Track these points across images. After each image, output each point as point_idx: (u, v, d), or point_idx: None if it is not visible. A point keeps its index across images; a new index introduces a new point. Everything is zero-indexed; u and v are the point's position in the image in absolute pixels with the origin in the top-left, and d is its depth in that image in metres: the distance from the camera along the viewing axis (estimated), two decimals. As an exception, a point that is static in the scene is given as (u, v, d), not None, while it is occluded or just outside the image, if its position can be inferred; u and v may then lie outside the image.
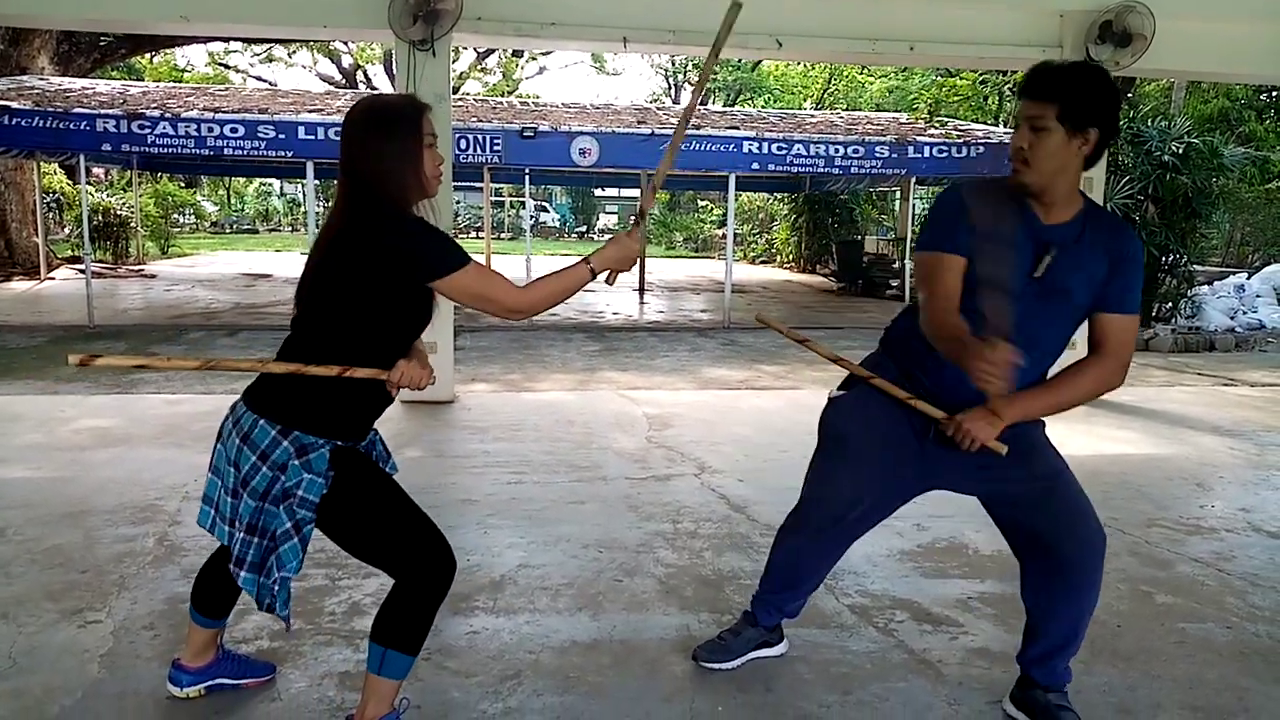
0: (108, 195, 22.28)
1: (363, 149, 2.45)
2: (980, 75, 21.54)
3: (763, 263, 28.74)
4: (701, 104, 36.82)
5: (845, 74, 32.44)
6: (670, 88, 43.01)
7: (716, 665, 3.19)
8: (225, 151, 12.23)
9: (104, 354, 2.26)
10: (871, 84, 31.97)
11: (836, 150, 13.38)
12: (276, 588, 2.47)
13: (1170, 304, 13.39)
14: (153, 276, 19.11)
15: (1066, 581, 2.74)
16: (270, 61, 34.98)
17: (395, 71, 7.73)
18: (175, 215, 26.30)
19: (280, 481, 2.42)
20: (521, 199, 35.28)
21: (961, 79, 22.03)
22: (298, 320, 2.52)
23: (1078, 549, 2.71)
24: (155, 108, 12.71)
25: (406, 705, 2.73)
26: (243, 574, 2.48)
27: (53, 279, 17.48)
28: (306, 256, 2.53)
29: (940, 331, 2.55)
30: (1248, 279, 16.26)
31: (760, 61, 34.22)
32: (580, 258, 2.58)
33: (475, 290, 2.43)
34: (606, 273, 2.62)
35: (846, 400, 2.91)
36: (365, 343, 2.44)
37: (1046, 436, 2.79)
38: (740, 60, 34.38)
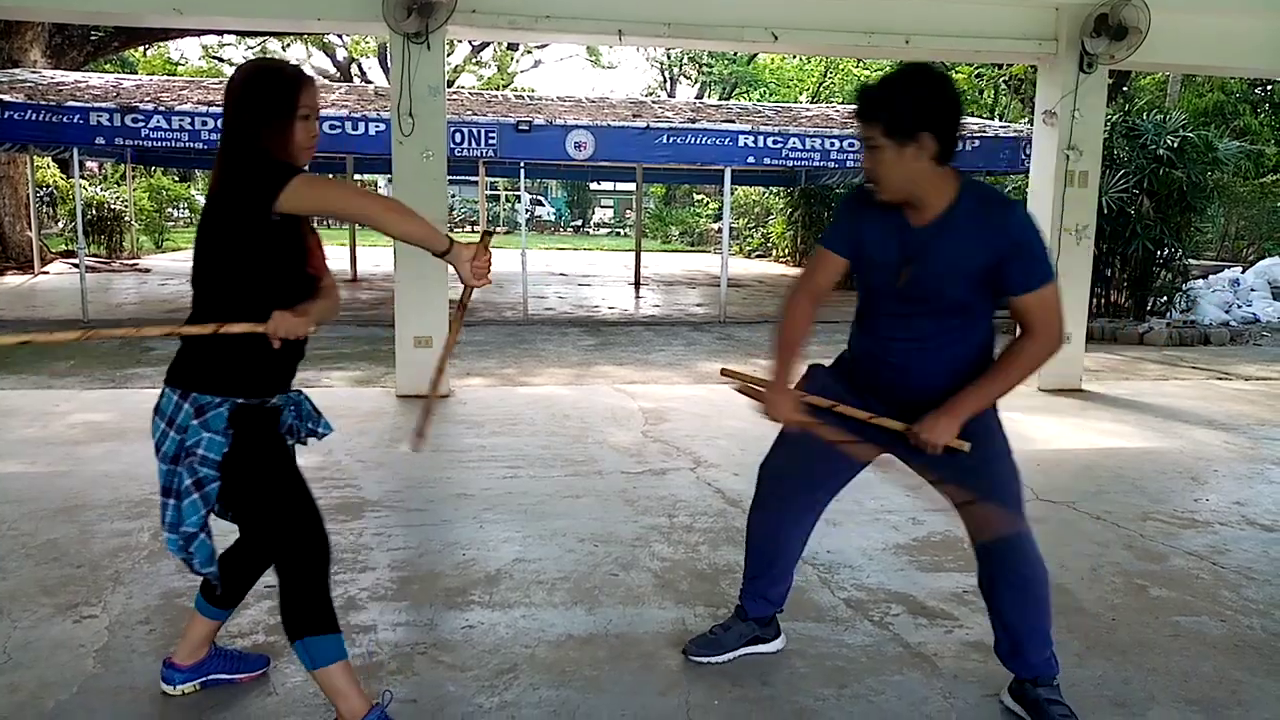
0: (101, 189, 22.20)
1: (234, 110, 2.49)
2: (976, 69, 21.54)
3: (758, 257, 28.72)
4: (697, 98, 36.77)
5: (841, 67, 32.38)
6: (665, 81, 42.95)
7: (706, 659, 3.20)
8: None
9: None
10: (867, 77, 31.94)
11: (832, 144, 13.36)
12: (190, 546, 2.52)
13: (1165, 298, 13.42)
14: (147, 271, 19.07)
15: (992, 575, 2.82)
16: (264, 55, 34.90)
17: (390, 65, 7.71)
18: (169, 209, 26.22)
19: (183, 442, 2.47)
20: (517, 193, 35.25)
21: (957, 73, 22.01)
22: (194, 294, 2.57)
23: (994, 542, 2.78)
24: (149, 101, 12.66)
25: (390, 698, 2.72)
26: (165, 534, 2.55)
27: (46, 273, 17.43)
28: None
29: (783, 315, 2.90)
30: (1242, 273, 16.30)
31: (756, 55, 34.20)
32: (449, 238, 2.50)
33: (316, 197, 2.42)
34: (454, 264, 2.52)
35: (818, 370, 3.07)
36: (242, 298, 2.46)
37: (992, 423, 2.79)
38: (736, 54, 34.35)
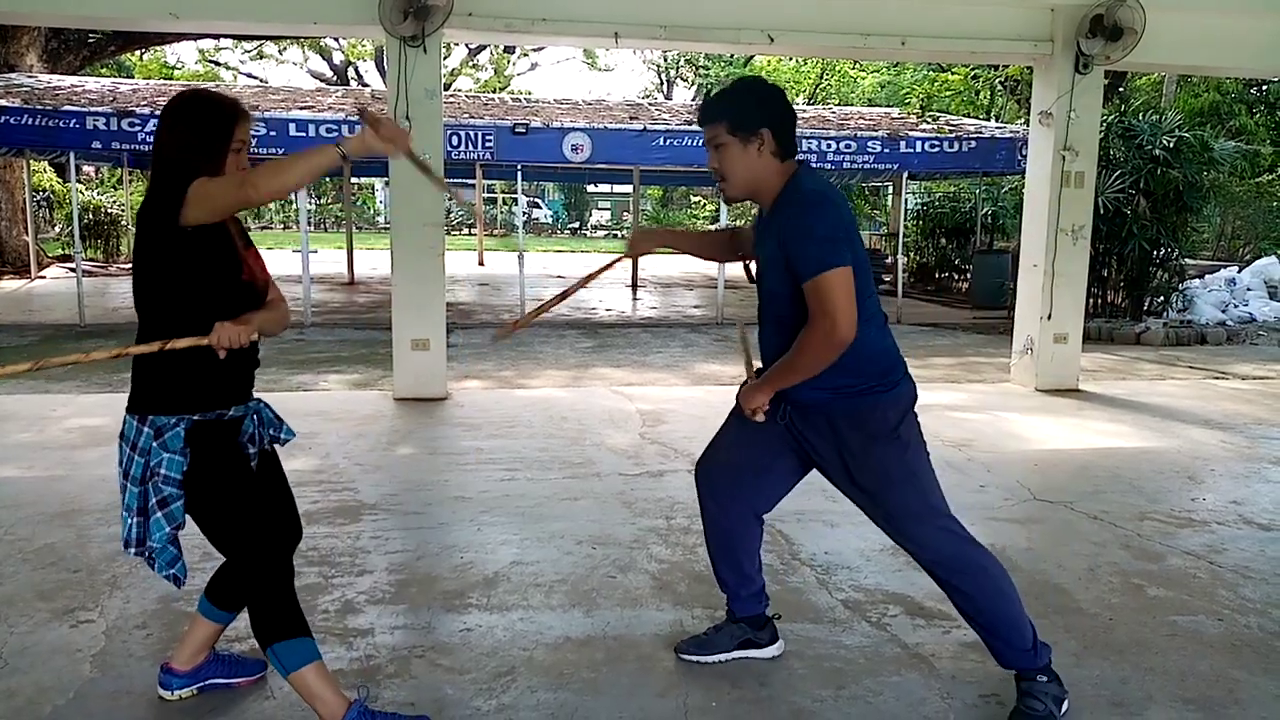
0: (98, 193, 22.20)
1: (169, 133, 2.54)
2: (972, 70, 21.56)
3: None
4: (694, 100, 36.76)
5: (837, 69, 32.37)
6: (662, 83, 42.96)
7: (695, 658, 3.21)
8: (216, 149, 12.17)
9: None
10: (863, 79, 31.91)
11: (829, 145, 13.38)
12: (151, 555, 2.56)
13: (1162, 298, 13.44)
14: (144, 274, 19.01)
15: (941, 587, 2.89)
16: (261, 58, 34.81)
17: (386, 68, 7.71)
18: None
19: (148, 464, 2.51)
20: (514, 195, 35.24)
21: (953, 74, 22.05)
22: (135, 308, 2.59)
23: (925, 558, 2.84)
24: (145, 105, 12.67)
25: (366, 693, 2.72)
26: (133, 550, 2.58)
27: (43, 278, 17.42)
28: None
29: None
30: (1238, 272, 16.33)
31: (752, 57, 34.18)
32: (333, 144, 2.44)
33: (210, 194, 2.41)
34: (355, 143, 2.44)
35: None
36: (181, 313, 2.49)
37: (886, 459, 2.78)
38: (732, 55, 34.35)
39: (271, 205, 42.54)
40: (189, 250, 2.45)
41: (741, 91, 2.80)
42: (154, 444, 2.50)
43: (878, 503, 2.82)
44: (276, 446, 2.82)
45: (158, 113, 11.97)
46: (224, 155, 2.53)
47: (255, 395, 2.74)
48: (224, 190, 2.43)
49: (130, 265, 2.59)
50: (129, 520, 2.56)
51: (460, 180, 25.84)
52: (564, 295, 3.23)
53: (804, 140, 13.26)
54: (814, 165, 13.13)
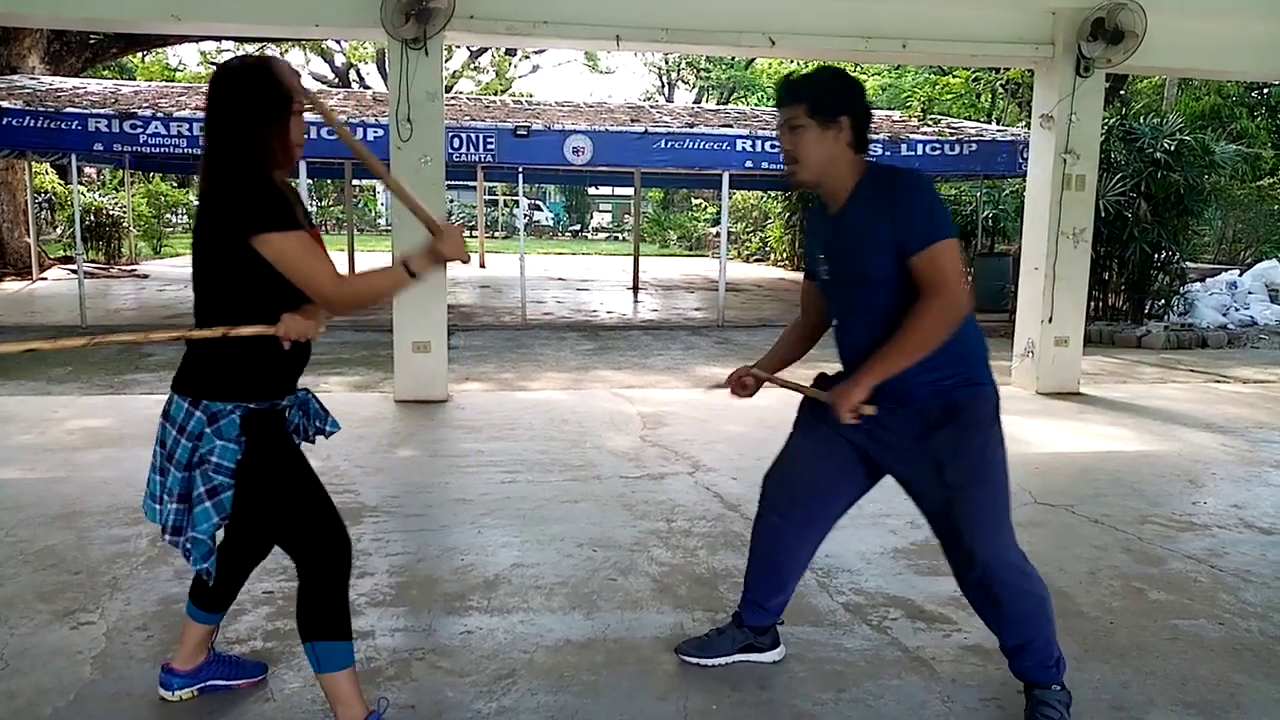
0: (100, 195, 22.22)
1: (226, 108, 2.43)
2: (973, 73, 21.57)
3: (757, 261, 28.74)
4: (695, 102, 36.81)
5: (838, 72, 32.35)
6: (663, 85, 42.99)
7: (695, 660, 3.20)
8: (217, 150, 12.16)
9: None
10: (864, 81, 31.91)
11: (830, 148, 13.35)
12: (189, 545, 2.49)
13: (1163, 301, 13.42)
14: (145, 276, 19.06)
15: (981, 598, 2.83)
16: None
17: (388, 70, 7.71)
18: (168, 215, 26.20)
19: (197, 450, 2.45)
20: (515, 198, 35.25)
21: (955, 77, 22.06)
22: (195, 298, 2.54)
23: (964, 570, 2.80)
24: (147, 107, 12.67)
25: (385, 705, 2.73)
26: (176, 539, 2.51)
27: (45, 279, 17.42)
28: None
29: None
30: (1239, 276, 16.32)
31: (753, 60, 34.20)
32: (400, 262, 2.50)
33: (293, 261, 2.38)
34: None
35: (824, 379, 3.03)
36: (246, 302, 2.44)
37: (985, 450, 2.75)
38: (733, 58, 34.36)
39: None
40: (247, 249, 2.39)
41: (825, 77, 2.78)
42: (207, 429, 2.44)
43: (961, 501, 2.71)
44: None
45: (159, 115, 11.98)
46: (288, 121, 2.45)
47: (301, 386, 2.71)
48: (307, 265, 2.38)
49: (192, 250, 2.49)
50: (169, 506, 2.49)
51: (461, 183, 25.85)
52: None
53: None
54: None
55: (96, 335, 2.51)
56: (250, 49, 32.64)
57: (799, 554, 3.13)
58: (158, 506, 2.53)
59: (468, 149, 12.66)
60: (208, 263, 2.46)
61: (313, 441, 2.78)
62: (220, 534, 2.54)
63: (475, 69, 37.57)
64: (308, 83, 2.62)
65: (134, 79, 28.57)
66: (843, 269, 2.80)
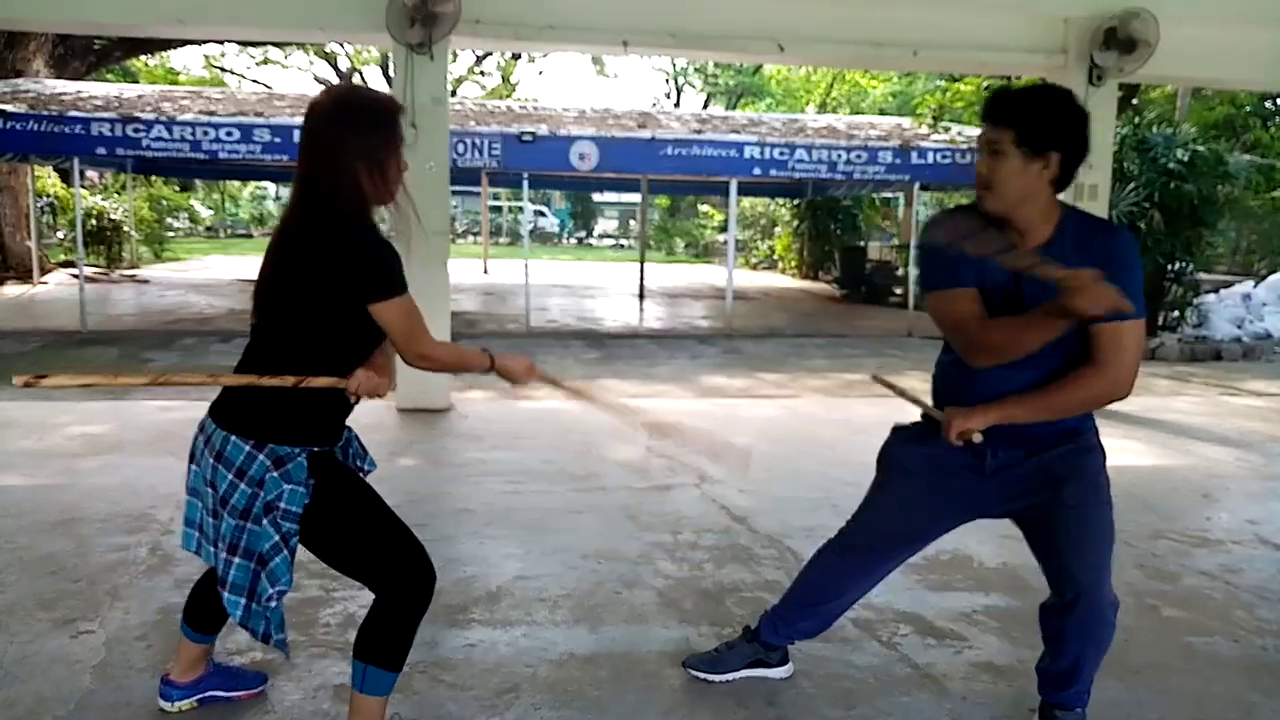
0: (102, 199, 22.22)
1: (329, 143, 2.34)
2: (984, 81, 21.50)
3: (765, 269, 28.72)
4: (703, 108, 36.83)
5: (848, 78, 32.39)
6: (671, 91, 43.03)
7: (704, 675, 3.15)
8: (220, 155, 12.21)
9: (51, 374, 2.25)
10: (875, 89, 31.95)
11: (839, 155, 13.34)
12: (272, 605, 2.41)
13: (1176, 312, 13.37)
14: (146, 281, 19.08)
15: (1062, 621, 2.72)
16: (266, 64, 34.88)
17: (392, 75, 7.69)
18: (170, 219, 26.27)
19: (260, 497, 2.36)
20: (520, 203, 35.25)
21: (965, 84, 21.99)
22: (257, 328, 2.47)
23: (1076, 598, 2.66)
24: (150, 111, 12.68)
25: None
26: (227, 595, 2.41)
27: (46, 284, 17.43)
28: (262, 260, 2.44)
29: (993, 343, 2.50)
30: (1254, 287, 16.23)
31: (762, 65, 34.23)
32: (484, 350, 2.61)
33: (401, 324, 2.37)
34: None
35: (909, 431, 2.88)
36: (322, 350, 2.39)
37: (1100, 476, 2.67)
38: (742, 64, 34.40)
39: (277, 214, 42.64)
40: (361, 307, 2.35)
41: (1042, 103, 2.49)
42: (272, 474, 2.35)
43: (1082, 518, 2.62)
44: None
45: (162, 119, 11.98)
46: (393, 157, 2.40)
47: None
48: (415, 325, 2.40)
49: (271, 284, 2.39)
50: (220, 555, 2.40)
51: (466, 188, 25.85)
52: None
53: (814, 150, 13.25)
54: (823, 176, 12.96)
55: (160, 375, 2.45)
56: (255, 52, 32.68)
57: (855, 591, 3.07)
58: (213, 550, 2.44)
59: (472, 154, 12.65)
60: (290, 309, 2.38)
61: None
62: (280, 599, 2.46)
63: (480, 73, 37.60)
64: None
65: (137, 82, 28.62)
66: (1025, 306, 2.48)
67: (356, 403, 2.51)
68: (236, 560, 2.38)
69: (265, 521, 2.36)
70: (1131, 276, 2.42)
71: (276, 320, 2.41)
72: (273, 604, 2.41)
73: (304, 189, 2.38)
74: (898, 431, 2.92)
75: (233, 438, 2.38)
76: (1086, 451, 2.65)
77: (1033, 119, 2.45)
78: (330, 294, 2.31)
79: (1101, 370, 2.48)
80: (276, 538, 2.36)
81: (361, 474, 2.71)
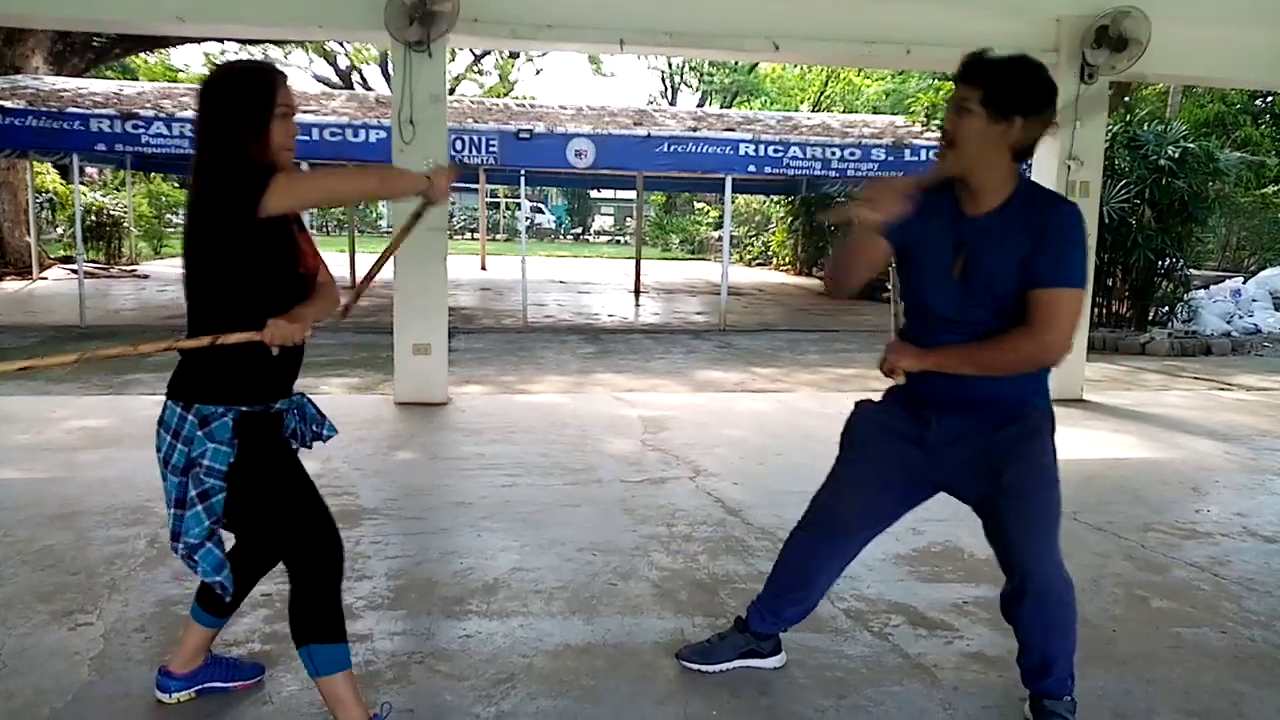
0: (101, 195, 22.19)
1: (209, 115, 2.47)
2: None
3: (759, 265, 28.76)
4: (698, 106, 36.82)
5: (842, 77, 32.45)
6: (667, 89, 43.02)
7: (696, 666, 3.18)
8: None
9: None
10: (868, 87, 31.99)
11: (833, 153, 13.36)
12: (196, 556, 2.49)
13: (1167, 308, 13.42)
14: (145, 277, 19.06)
15: (1019, 608, 2.76)
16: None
17: (391, 73, 7.71)
18: (169, 215, 26.17)
19: (188, 454, 2.45)
20: (517, 200, 35.21)
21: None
22: (187, 300, 2.55)
23: (1024, 580, 2.71)
24: (149, 107, 12.69)
25: (389, 709, 2.70)
26: (176, 545, 2.51)
27: (45, 279, 17.43)
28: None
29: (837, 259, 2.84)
30: (1244, 283, 16.31)
31: (757, 64, 34.24)
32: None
33: (296, 193, 2.40)
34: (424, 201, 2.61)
35: (867, 405, 2.95)
36: (236, 305, 2.44)
37: (1045, 458, 2.71)
38: (737, 63, 34.40)
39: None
40: (256, 242, 2.40)
41: (1014, 67, 2.53)
42: (199, 433, 2.44)
43: (1022, 504, 2.66)
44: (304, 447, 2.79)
45: (161, 115, 11.99)
46: (270, 124, 2.46)
47: (298, 390, 2.71)
48: (321, 184, 2.46)
49: (183, 256, 2.50)
50: (171, 511, 2.50)
51: (464, 185, 25.85)
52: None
53: (808, 148, 13.28)
54: (817, 173, 13.03)
55: (87, 350, 2.51)
56: (254, 50, 32.68)
57: (831, 570, 3.10)
58: (171, 512, 2.53)
59: (470, 151, 12.66)
60: (200, 265, 2.47)
61: (310, 446, 2.77)
62: (213, 543, 2.52)
63: (478, 71, 37.59)
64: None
65: (137, 79, 28.57)
66: (976, 278, 2.60)
67: (286, 351, 2.51)
68: (175, 511, 2.50)
69: (189, 475, 2.46)
70: (1071, 248, 2.52)
71: (194, 287, 2.50)
72: (197, 551, 2.49)
73: (197, 161, 2.48)
74: (858, 405, 2.98)
75: (169, 402, 2.51)
76: (1032, 436, 2.69)
77: (1002, 80, 2.51)
78: (229, 238, 2.38)
79: (1032, 333, 2.53)
80: (194, 492, 2.45)
81: (320, 439, 2.78)
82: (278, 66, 2.58)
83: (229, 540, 2.71)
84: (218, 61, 34.09)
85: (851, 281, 2.83)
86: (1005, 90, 2.49)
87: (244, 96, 2.46)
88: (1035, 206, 2.57)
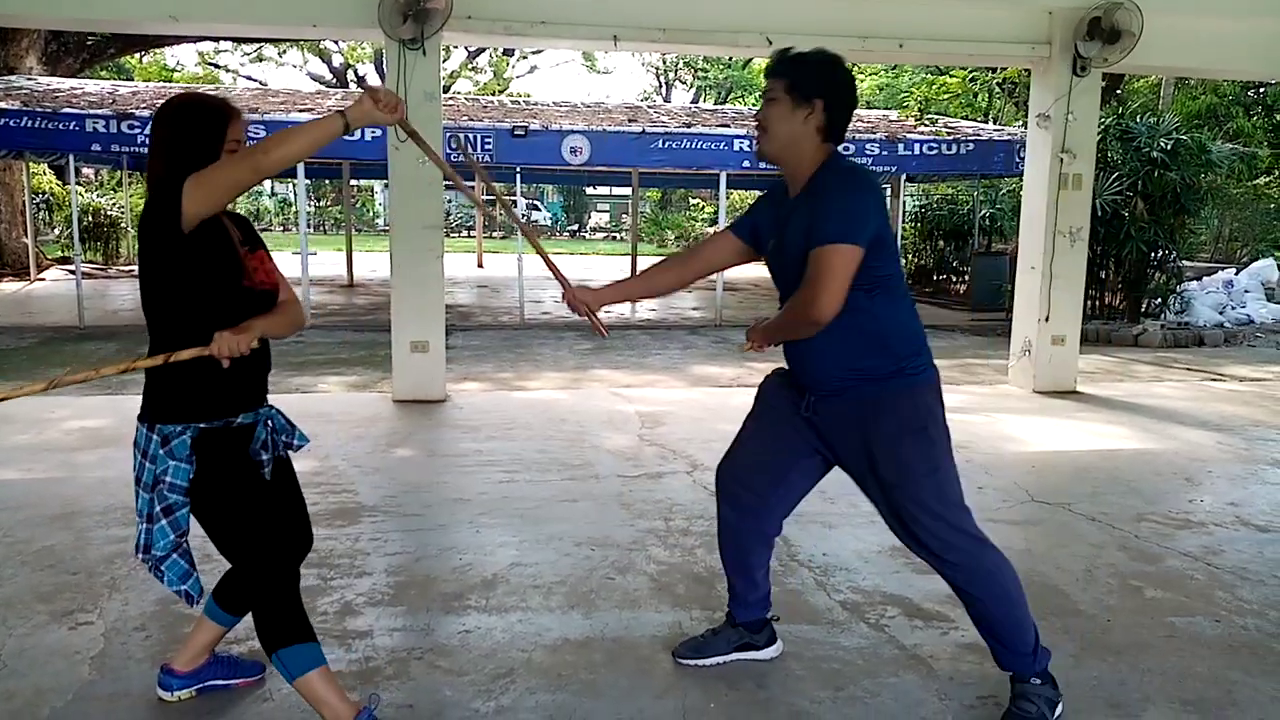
0: (97, 195, 22.19)
1: (162, 139, 2.54)
2: (970, 73, 21.55)
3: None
4: (693, 102, 36.82)
5: (835, 72, 32.36)
6: (661, 85, 42.99)
7: (691, 661, 3.21)
8: (215, 151, 12.18)
9: None
10: (862, 81, 31.92)
11: (827, 148, 13.37)
12: (162, 567, 2.56)
13: (1159, 300, 13.45)
14: (143, 277, 19.03)
15: (952, 585, 2.85)
16: (260, 61, 34.76)
17: (385, 71, 7.71)
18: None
19: (152, 470, 2.51)
20: (512, 197, 35.21)
21: (951, 76, 22.03)
22: (146, 320, 2.60)
23: (925, 553, 2.81)
24: (145, 107, 12.67)
25: (377, 701, 2.72)
26: (144, 556, 2.56)
27: (43, 280, 17.41)
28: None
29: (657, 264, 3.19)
30: (1236, 274, 16.35)
31: (751, 60, 34.21)
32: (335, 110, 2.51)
33: (208, 180, 2.39)
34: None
35: (779, 370, 3.08)
36: (183, 322, 2.49)
37: (918, 448, 2.73)
38: (731, 58, 34.38)
39: (270, 208, 42.59)
40: (188, 256, 2.44)
41: (811, 57, 2.77)
42: (160, 451, 2.50)
43: (895, 496, 2.75)
44: (290, 453, 2.82)
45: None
46: (217, 157, 2.51)
47: (268, 401, 2.73)
48: (227, 170, 2.41)
49: (136, 271, 2.58)
50: (140, 526, 2.55)
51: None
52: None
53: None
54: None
55: (55, 378, 2.57)
56: (248, 48, 32.61)
57: (758, 546, 3.13)
58: (140, 526, 2.58)
59: (466, 149, 12.64)
60: (146, 283, 2.52)
61: (285, 456, 2.79)
62: (179, 554, 2.57)
63: (473, 69, 37.54)
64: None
65: (132, 79, 28.53)
66: (785, 252, 2.82)
67: (247, 363, 2.52)
68: (146, 526, 2.55)
69: (154, 492, 2.51)
70: (831, 206, 2.65)
71: (147, 306, 2.56)
72: (164, 563, 2.55)
73: (148, 186, 2.57)
74: (773, 371, 3.11)
75: (138, 423, 2.57)
76: (898, 433, 2.72)
77: (801, 69, 2.76)
78: (163, 241, 2.42)
79: (801, 292, 2.68)
80: (159, 507, 2.51)
81: (291, 449, 2.80)
82: (231, 103, 2.62)
83: (204, 544, 2.73)
84: (213, 61, 34.21)
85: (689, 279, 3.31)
86: (807, 76, 2.75)
87: (197, 129, 2.52)
88: (825, 177, 2.74)
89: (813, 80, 2.74)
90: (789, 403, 2.93)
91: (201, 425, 2.52)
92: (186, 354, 2.43)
